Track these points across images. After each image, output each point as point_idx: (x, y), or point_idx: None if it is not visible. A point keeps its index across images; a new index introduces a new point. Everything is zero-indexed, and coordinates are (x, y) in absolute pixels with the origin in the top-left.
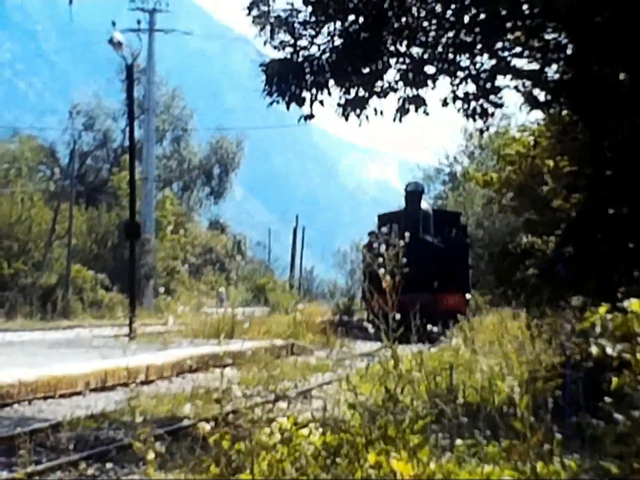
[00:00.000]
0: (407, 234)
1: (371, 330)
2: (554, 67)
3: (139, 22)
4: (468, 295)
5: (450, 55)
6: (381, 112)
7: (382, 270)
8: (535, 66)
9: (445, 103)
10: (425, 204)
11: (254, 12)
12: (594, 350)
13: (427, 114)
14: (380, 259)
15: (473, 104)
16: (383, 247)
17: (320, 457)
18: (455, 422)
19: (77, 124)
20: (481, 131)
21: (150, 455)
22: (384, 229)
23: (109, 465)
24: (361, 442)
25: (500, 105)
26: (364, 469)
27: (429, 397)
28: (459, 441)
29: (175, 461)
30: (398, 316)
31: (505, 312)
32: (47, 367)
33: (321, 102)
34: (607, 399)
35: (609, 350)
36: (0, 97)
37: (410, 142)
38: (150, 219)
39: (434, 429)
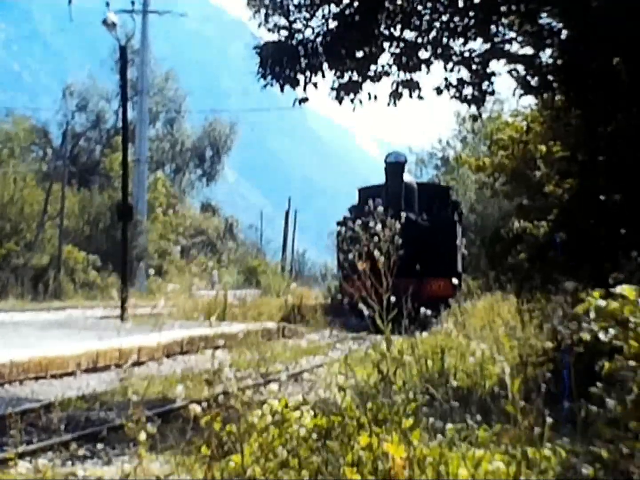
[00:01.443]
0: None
1: (365, 312)
2: (548, 52)
3: (132, 3)
4: (456, 280)
5: (444, 40)
6: (375, 97)
7: (377, 253)
8: (529, 51)
9: (439, 91)
10: (409, 177)
11: None
12: (585, 335)
13: (421, 98)
14: (363, 239)
15: (466, 90)
16: (379, 226)
17: (311, 439)
18: (447, 405)
19: (71, 105)
20: (474, 118)
21: (142, 436)
22: (372, 202)
23: (100, 445)
24: (352, 425)
25: (492, 92)
26: (355, 451)
27: (421, 381)
28: (449, 425)
29: (166, 442)
30: (366, 311)
31: (497, 296)
32: (39, 347)
33: (315, 85)
34: (599, 384)
35: (601, 336)
36: None
37: (406, 127)
38: (143, 201)
39: (425, 413)
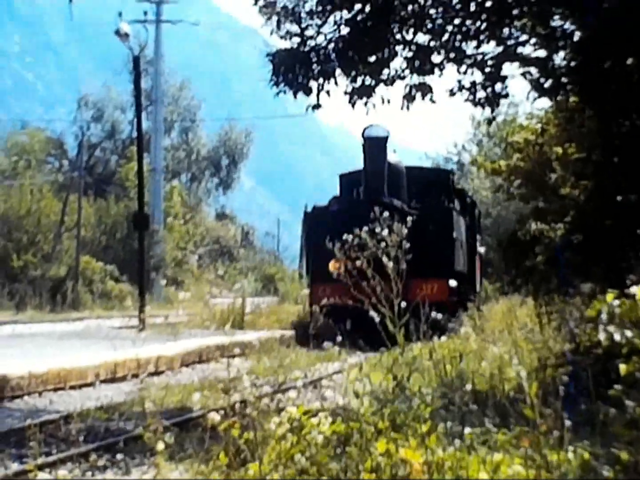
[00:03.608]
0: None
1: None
2: (561, 54)
3: (145, 13)
4: (454, 282)
5: (457, 43)
6: (388, 100)
7: (385, 258)
8: (542, 53)
9: (452, 93)
10: (395, 157)
11: (261, 2)
12: (602, 337)
13: (434, 101)
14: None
15: (479, 92)
16: (385, 232)
17: (329, 446)
18: (465, 409)
19: (86, 116)
20: (489, 121)
21: (160, 446)
22: (355, 191)
23: (119, 456)
24: (370, 431)
25: (506, 95)
26: (373, 457)
27: (439, 385)
28: (468, 429)
29: (185, 451)
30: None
31: (514, 299)
32: (57, 358)
33: (327, 92)
34: (617, 386)
35: (617, 337)
36: (9, 89)
37: (421, 133)
38: (159, 210)
39: (443, 417)
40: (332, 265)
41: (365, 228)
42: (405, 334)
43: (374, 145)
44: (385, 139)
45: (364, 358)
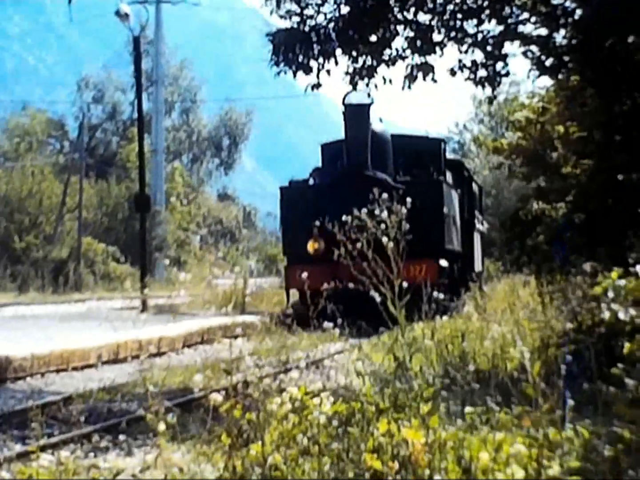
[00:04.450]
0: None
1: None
2: (562, 32)
3: None
4: (444, 262)
5: (458, 22)
6: (389, 80)
7: (385, 239)
8: (543, 32)
9: (453, 72)
10: (380, 126)
11: None
12: (606, 315)
13: (435, 81)
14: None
15: (480, 71)
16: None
17: (331, 426)
18: (467, 389)
19: (87, 97)
20: (490, 100)
21: (162, 427)
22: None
23: (121, 437)
24: (372, 411)
25: (507, 74)
26: (375, 437)
27: (441, 365)
28: (469, 408)
29: (187, 432)
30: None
31: (516, 279)
32: (60, 340)
33: (328, 72)
34: (620, 365)
35: (621, 315)
36: (10, 71)
37: (422, 112)
38: (160, 191)
39: (445, 397)
40: (310, 246)
41: (364, 210)
42: (406, 314)
43: (356, 113)
44: (368, 106)
45: (364, 339)
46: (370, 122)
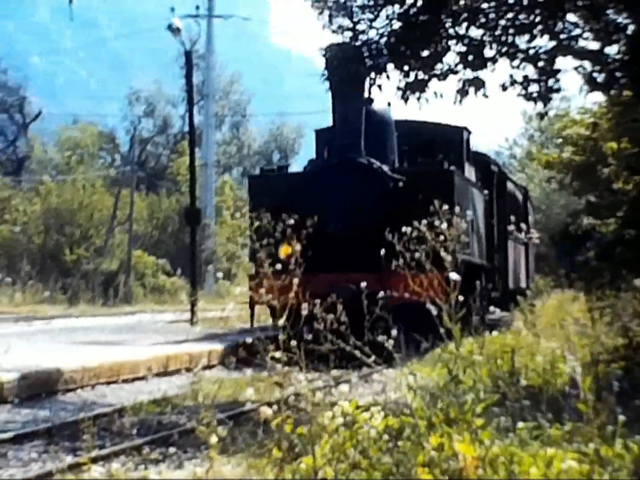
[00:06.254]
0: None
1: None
2: (615, 47)
3: (197, 7)
4: (456, 275)
5: (510, 38)
6: (441, 95)
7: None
8: (595, 47)
9: (504, 88)
10: (380, 106)
11: None
12: None
13: (487, 96)
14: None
15: (532, 87)
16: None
17: (382, 440)
18: (518, 404)
19: (137, 111)
20: (541, 116)
21: (213, 440)
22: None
23: (172, 449)
24: (423, 425)
25: (559, 90)
26: (426, 451)
27: (491, 380)
28: (521, 424)
29: (237, 445)
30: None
31: (566, 294)
32: (110, 352)
33: (379, 86)
34: None
35: None
36: (62, 84)
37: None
38: (210, 205)
39: (496, 412)
40: (282, 250)
41: (424, 222)
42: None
43: (349, 89)
44: (364, 79)
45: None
46: (364, 100)
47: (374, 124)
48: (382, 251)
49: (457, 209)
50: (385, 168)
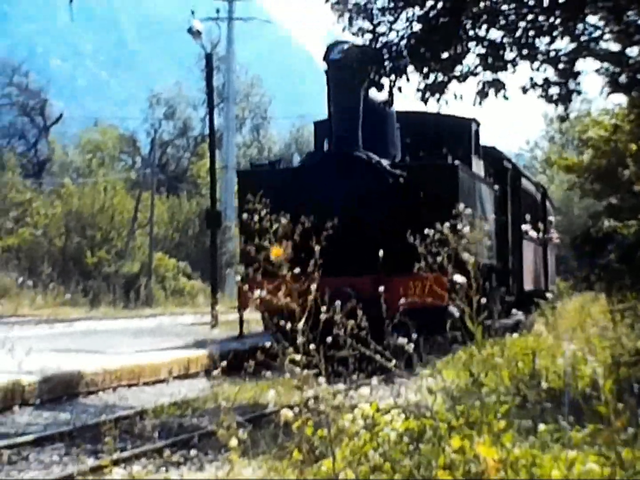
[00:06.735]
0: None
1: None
2: (636, 49)
3: (218, 10)
4: (461, 277)
5: (530, 39)
6: (461, 97)
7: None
8: (616, 48)
9: (524, 90)
10: (381, 94)
11: None
12: None
13: (507, 98)
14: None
15: (553, 89)
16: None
17: (403, 443)
18: (539, 407)
19: (158, 113)
20: (562, 118)
21: (234, 442)
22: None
23: (193, 452)
24: (444, 428)
25: (579, 92)
26: (447, 454)
27: (512, 383)
28: (542, 426)
29: (258, 448)
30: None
31: (587, 296)
32: (131, 355)
33: (399, 88)
34: None
35: None
36: (83, 87)
37: (492, 129)
38: (231, 207)
39: (517, 414)
40: (274, 250)
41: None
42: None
43: (342, 72)
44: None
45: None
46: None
47: (373, 115)
48: (381, 253)
49: (461, 205)
50: (385, 163)
